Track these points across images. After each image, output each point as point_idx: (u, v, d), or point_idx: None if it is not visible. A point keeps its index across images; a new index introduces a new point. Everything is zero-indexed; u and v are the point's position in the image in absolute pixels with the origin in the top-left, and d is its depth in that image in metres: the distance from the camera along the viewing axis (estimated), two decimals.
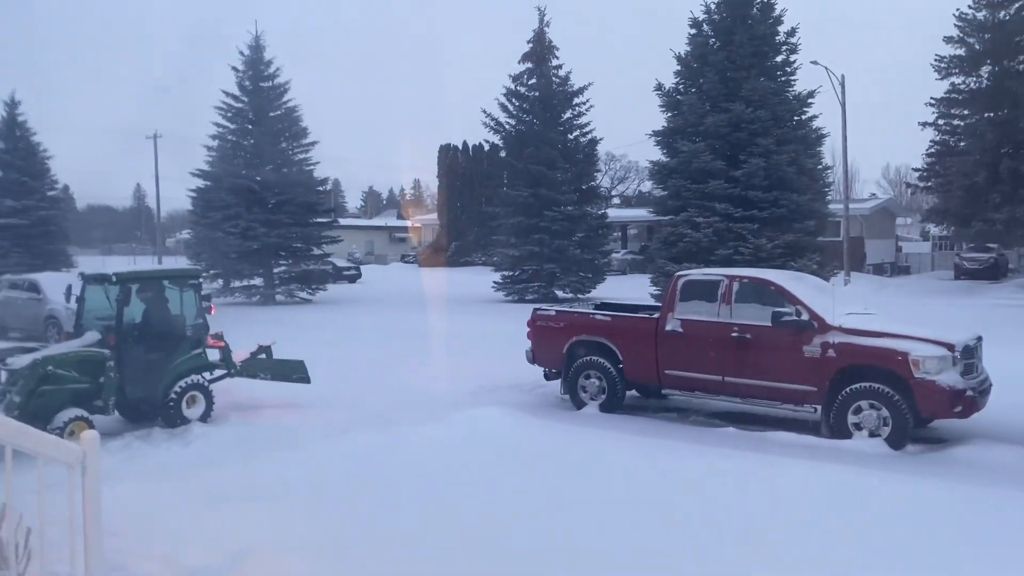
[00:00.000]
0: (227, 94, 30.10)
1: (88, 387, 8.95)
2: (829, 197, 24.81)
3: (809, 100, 23.39)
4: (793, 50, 23.44)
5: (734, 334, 9.38)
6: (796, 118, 23.22)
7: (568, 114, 30.13)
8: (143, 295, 9.96)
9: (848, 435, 8.49)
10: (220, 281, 29.80)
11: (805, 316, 8.96)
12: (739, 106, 21.91)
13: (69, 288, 10.63)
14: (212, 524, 5.40)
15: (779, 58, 23.45)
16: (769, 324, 9.09)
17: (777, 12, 23.25)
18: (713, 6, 23.55)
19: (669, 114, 23.96)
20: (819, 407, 8.86)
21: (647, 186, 49.10)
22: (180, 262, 37.76)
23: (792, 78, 23.61)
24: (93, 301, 10.10)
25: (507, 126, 30.94)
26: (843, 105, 32.44)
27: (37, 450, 3.51)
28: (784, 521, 5.68)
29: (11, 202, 34.40)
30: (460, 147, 56.43)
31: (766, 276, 9.93)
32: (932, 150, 34.43)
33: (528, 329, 11.29)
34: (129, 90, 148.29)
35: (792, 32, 23.27)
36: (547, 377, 11.37)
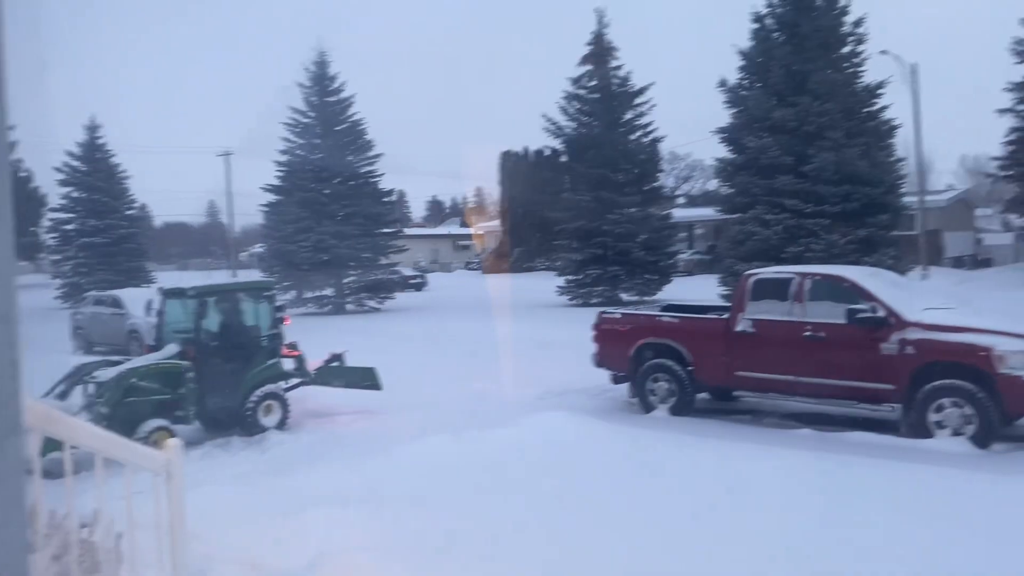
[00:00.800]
0: (294, 110, 30.88)
1: (169, 398, 9.27)
2: (903, 189, 24.01)
3: (879, 91, 22.73)
4: (860, 40, 22.81)
5: (807, 333, 9.18)
6: (866, 110, 22.57)
7: (629, 115, 29.92)
8: (220, 308, 10.29)
9: (929, 434, 8.22)
10: (293, 292, 30.52)
11: (881, 312, 8.72)
12: (806, 99, 21.43)
13: (149, 303, 11.05)
14: (291, 529, 5.53)
15: (846, 49, 22.85)
16: (844, 322, 8.86)
17: (842, 2, 22.69)
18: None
19: (734, 110, 23.59)
20: (898, 406, 8.60)
21: (713, 184, 48.40)
22: (254, 275, 38.79)
23: (860, 69, 22.98)
24: (172, 315, 10.46)
25: (568, 130, 30.89)
26: (915, 95, 31.46)
27: (125, 458, 3.65)
28: (867, 522, 5.53)
29: (94, 221, 35.93)
30: (521, 153, 56.56)
31: (839, 272, 9.70)
32: (1012, 137, 33.05)
33: (594, 333, 11.24)
34: (201, 109, 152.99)
35: (859, 22, 22.67)
36: (614, 381, 11.31)
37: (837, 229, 21.06)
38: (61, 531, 3.94)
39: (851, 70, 22.86)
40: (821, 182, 21.31)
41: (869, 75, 23.04)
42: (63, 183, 37.09)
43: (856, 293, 9.00)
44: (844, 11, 22.67)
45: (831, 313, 9.09)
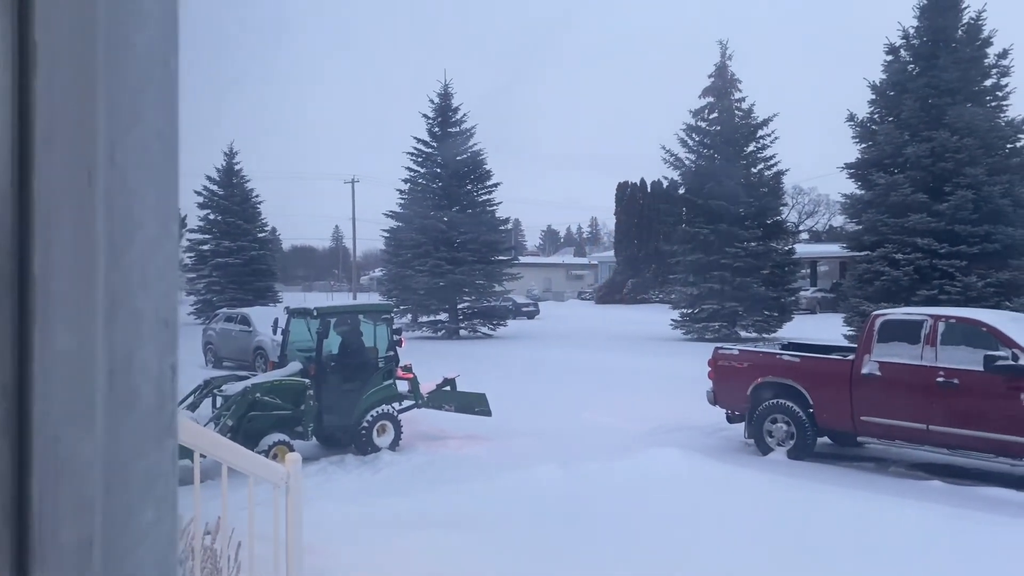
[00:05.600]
0: (418, 140, 31.83)
1: (290, 414, 9.60)
2: None
3: None
4: (1005, 73, 21.64)
5: (940, 379, 8.66)
6: (1009, 146, 21.34)
7: (751, 147, 29.35)
8: (340, 328, 10.62)
9: None
10: (409, 316, 31.25)
11: (1023, 360, 8.13)
12: (943, 134, 20.44)
13: (276, 321, 11.51)
14: (400, 548, 5.60)
15: (988, 82, 21.73)
16: (980, 369, 8.32)
17: (985, 34, 21.59)
18: (912, 31, 22.25)
19: (863, 145, 22.78)
20: None
21: (839, 220, 46.78)
22: (373, 298, 39.94)
23: (1004, 103, 21.78)
24: (296, 333, 10.86)
25: (687, 161, 30.54)
26: None
27: (248, 469, 3.79)
28: None
29: (228, 243, 37.86)
30: (638, 184, 56.30)
31: (977, 316, 9.13)
32: None
33: (709, 369, 10.96)
34: (330, 138, 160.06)
35: (1004, 54, 21.50)
36: (730, 420, 10.96)
37: (975, 271, 19.89)
38: (186, 536, 4.12)
39: (994, 104, 21.70)
40: (958, 221, 20.24)
41: (1014, 109, 21.81)
42: (202, 206, 39.29)
43: (995, 338, 8.44)
44: (987, 42, 21.57)
45: (967, 359, 8.56)
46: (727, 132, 29.36)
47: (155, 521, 0.59)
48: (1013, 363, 8.17)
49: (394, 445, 10.20)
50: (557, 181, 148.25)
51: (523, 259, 54.33)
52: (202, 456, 3.44)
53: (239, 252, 37.60)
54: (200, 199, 39.10)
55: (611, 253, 61.06)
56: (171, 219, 0.60)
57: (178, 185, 0.61)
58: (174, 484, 0.61)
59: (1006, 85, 21.75)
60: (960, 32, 21.75)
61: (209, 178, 39.32)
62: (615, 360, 20.76)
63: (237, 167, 39.84)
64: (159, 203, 0.60)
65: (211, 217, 39.19)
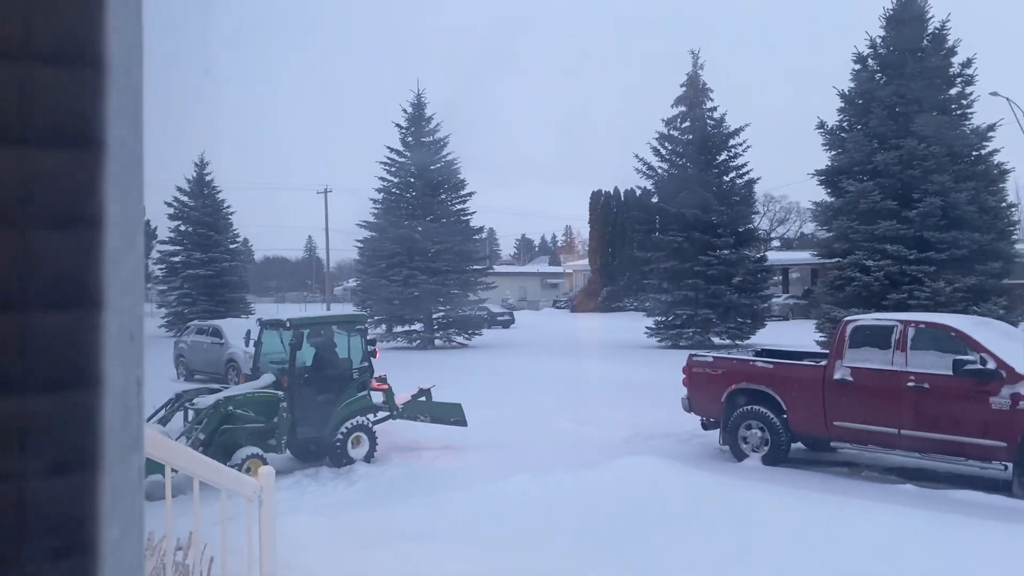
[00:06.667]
0: (391, 149, 31.75)
1: (263, 427, 9.50)
2: (1015, 236, 22.89)
3: (989, 134, 21.87)
4: (969, 82, 22.09)
5: (910, 384, 8.77)
6: (975, 153, 21.75)
7: (723, 156, 29.61)
8: (314, 340, 10.54)
9: None
10: (383, 326, 31.10)
11: (991, 364, 8.25)
12: (910, 142, 20.79)
13: (248, 333, 11.40)
14: (376, 561, 5.55)
15: (953, 91, 22.15)
16: (950, 373, 8.43)
17: (950, 44, 22.03)
18: (879, 40, 22.64)
19: (833, 153, 23.10)
20: (1010, 464, 8.09)
21: (810, 228, 47.39)
22: (347, 308, 39.70)
23: (969, 111, 22.21)
24: (269, 345, 10.76)
25: (659, 170, 30.75)
26: None
27: (221, 483, 3.75)
28: None
29: (199, 254, 37.49)
30: (612, 193, 56.58)
31: (945, 321, 9.27)
32: None
33: (684, 376, 11.02)
34: (302, 148, 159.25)
35: (968, 63, 21.95)
36: (705, 427, 11.02)
37: (943, 276, 20.22)
38: (157, 552, 4.07)
39: (959, 112, 22.12)
40: (926, 228, 20.57)
41: (978, 117, 22.27)
42: (172, 217, 38.88)
43: (964, 343, 8.57)
44: (952, 52, 22.00)
45: (936, 364, 8.67)
46: (699, 141, 29.61)
47: (120, 538, 0.58)
48: (981, 367, 8.29)
49: (369, 457, 10.12)
50: (531, 190, 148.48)
51: (498, 268, 54.25)
52: (173, 471, 3.39)
53: (210, 263, 37.25)
54: (171, 210, 38.74)
55: (586, 262, 61.26)
56: (136, 230, 0.59)
57: (143, 196, 0.60)
58: (140, 500, 0.60)
59: (970, 94, 22.21)
60: (925, 42, 22.18)
61: (180, 189, 39.00)
62: (590, 368, 20.80)
63: (208, 178, 39.52)
64: (123, 214, 0.59)
65: (182, 228, 38.80)
